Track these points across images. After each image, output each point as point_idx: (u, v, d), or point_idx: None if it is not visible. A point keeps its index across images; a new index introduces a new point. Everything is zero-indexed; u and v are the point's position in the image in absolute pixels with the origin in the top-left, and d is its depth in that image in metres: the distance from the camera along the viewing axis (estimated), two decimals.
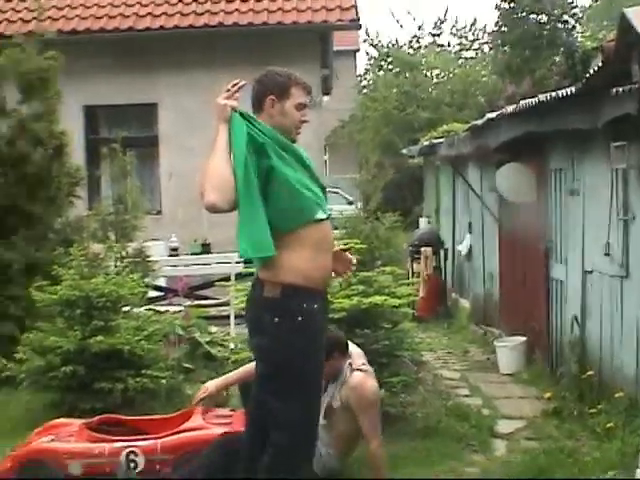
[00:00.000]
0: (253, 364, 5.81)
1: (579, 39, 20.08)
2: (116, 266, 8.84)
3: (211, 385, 5.96)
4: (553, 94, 7.47)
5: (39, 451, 5.80)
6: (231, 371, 6.14)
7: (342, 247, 4.84)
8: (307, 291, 4.18)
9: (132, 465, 5.72)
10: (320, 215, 4.25)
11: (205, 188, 4.08)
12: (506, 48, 20.31)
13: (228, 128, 4.18)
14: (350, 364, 5.71)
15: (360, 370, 5.70)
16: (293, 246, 4.17)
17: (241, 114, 4.24)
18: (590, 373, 7.72)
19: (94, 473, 5.77)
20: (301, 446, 4.23)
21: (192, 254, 12.62)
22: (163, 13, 15.34)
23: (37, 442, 5.90)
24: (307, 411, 4.23)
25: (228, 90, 4.30)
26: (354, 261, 4.73)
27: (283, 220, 4.16)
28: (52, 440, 5.91)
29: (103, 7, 15.53)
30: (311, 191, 4.24)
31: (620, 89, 5.94)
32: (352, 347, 5.89)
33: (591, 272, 8.06)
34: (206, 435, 5.73)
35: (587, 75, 6.63)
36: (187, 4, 15.53)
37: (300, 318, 4.15)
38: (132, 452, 5.74)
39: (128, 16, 15.31)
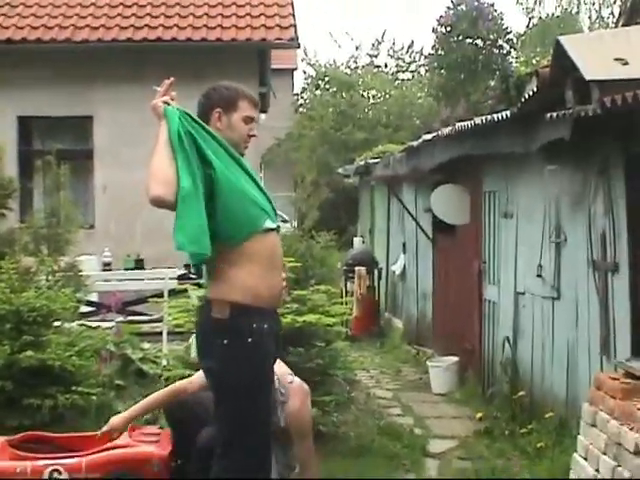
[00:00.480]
0: (158, 393, 5.75)
1: (514, 64, 20.35)
2: (48, 280, 8.70)
3: (116, 420, 5.86)
4: (489, 117, 7.58)
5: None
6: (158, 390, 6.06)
7: None
8: (257, 310, 4.05)
9: None
10: (269, 224, 4.14)
11: (149, 184, 3.96)
12: (442, 71, 20.49)
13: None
14: (278, 380, 5.52)
15: (293, 383, 5.52)
16: (240, 262, 4.05)
17: (178, 110, 4.15)
18: (521, 393, 7.80)
19: None
20: (254, 468, 4.09)
21: (125, 269, 12.51)
22: (101, 25, 15.18)
23: None
24: (259, 434, 4.09)
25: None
26: (284, 284, 4.47)
27: (230, 228, 4.03)
28: None
29: (40, 17, 15.31)
30: (257, 199, 4.14)
31: (554, 114, 6.03)
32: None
33: (523, 293, 8.15)
34: (132, 453, 5.65)
35: (522, 100, 6.72)
36: (126, 17, 15.41)
37: (250, 339, 4.01)
38: (56, 470, 5.61)
39: (66, 27, 15.11)
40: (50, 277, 8.88)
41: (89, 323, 8.84)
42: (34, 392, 6.96)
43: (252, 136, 4.29)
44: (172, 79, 4.27)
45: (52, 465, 5.59)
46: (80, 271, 9.74)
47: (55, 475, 5.55)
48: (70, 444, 6.05)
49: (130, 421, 5.74)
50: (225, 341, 4.02)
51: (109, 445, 5.73)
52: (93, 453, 5.70)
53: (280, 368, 5.55)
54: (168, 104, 4.16)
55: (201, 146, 4.06)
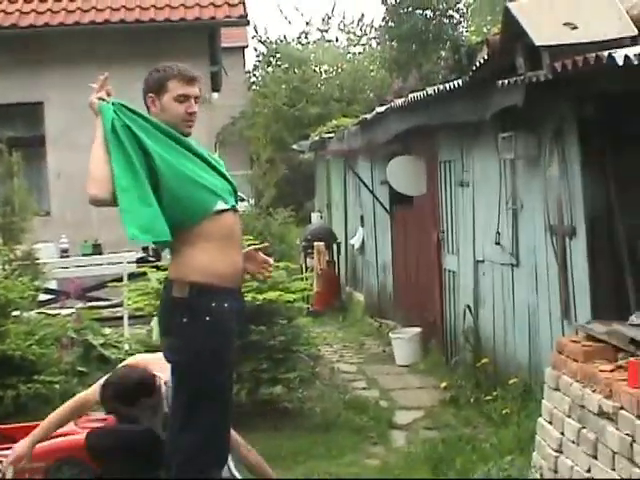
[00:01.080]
0: (60, 410, 5.41)
1: (464, 34, 20.38)
2: (4, 269, 8.61)
3: (21, 447, 5.72)
4: (441, 87, 7.57)
5: None
6: None
7: (256, 246, 4.57)
8: (216, 290, 4.02)
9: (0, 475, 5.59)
10: (220, 206, 4.07)
11: (87, 184, 3.99)
12: (393, 43, 20.49)
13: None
14: (165, 383, 4.95)
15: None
16: (197, 242, 4.02)
17: (114, 104, 4.12)
18: (485, 361, 7.85)
19: None
20: (209, 451, 4.08)
21: (83, 255, 12.42)
22: (48, 9, 14.97)
23: None
24: (215, 415, 4.07)
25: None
26: (270, 262, 4.52)
27: (180, 213, 4.00)
28: None
29: None
30: (207, 181, 4.09)
31: (506, 81, 6.03)
32: (149, 362, 5.26)
33: (483, 261, 8.19)
34: (77, 440, 5.62)
35: (473, 68, 6.72)
36: (72, 0, 15.22)
37: (208, 318, 3.99)
38: (0, 461, 5.61)
39: (11, 13, 14.90)
40: (6, 266, 8.79)
41: (48, 311, 8.76)
42: None
43: (191, 113, 4.18)
44: (106, 74, 4.21)
45: None
46: (37, 259, 9.65)
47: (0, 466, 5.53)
48: (14, 434, 6.02)
49: (34, 445, 5.59)
50: (185, 319, 4.01)
51: (55, 433, 5.70)
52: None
53: (151, 360, 5.17)
54: (104, 100, 4.11)
55: (139, 137, 4.03)
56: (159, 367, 5.03)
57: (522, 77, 5.76)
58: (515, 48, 5.83)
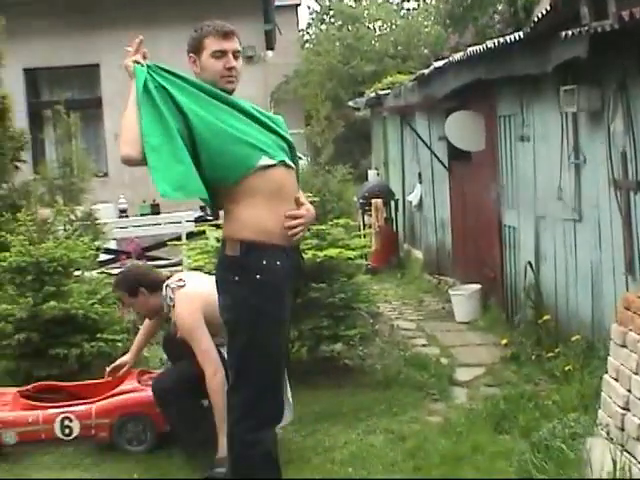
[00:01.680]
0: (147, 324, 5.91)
1: None
2: (65, 230, 8.69)
3: (128, 358, 6.00)
4: (501, 40, 7.44)
5: None
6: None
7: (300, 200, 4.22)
8: (267, 247, 4.00)
9: (67, 431, 5.70)
10: (265, 161, 4.03)
11: (119, 145, 4.04)
12: None
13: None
14: (167, 286, 5.53)
15: (178, 287, 5.49)
16: (243, 199, 4.01)
17: (149, 66, 4.12)
18: (546, 318, 7.77)
19: (29, 441, 5.75)
20: (262, 408, 4.08)
21: (141, 215, 12.52)
22: None
23: None
24: (267, 373, 4.09)
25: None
26: (293, 223, 4.08)
27: (220, 170, 3.99)
28: None
29: None
30: (250, 136, 4.04)
31: (569, 32, 5.90)
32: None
33: (544, 217, 8.08)
34: (140, 397, 5.71)
35: (535, 20, 6.59)
36: None
37: (259, 276, 3.99)
38: (66, 418, 5.71)
39: None
40: (67, 227, 8.87)
41: (109, 271, 8.84)
42: (60, 342, 7.01)
43: (230, 68, 4.15)
44: (141, 37, 4.21)
45: (63, 413, 5.73)
46: (97, 219, 9.73)
47: (66, 422, 5.67)
48: (80, 392, 6.14)
49: (138, 352, 5.81)
50: (236, 277, 4.03)
51: (118, 391, 5.82)
52: (102, 399, 5.79)
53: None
54: (138, 62, 4.12)
55: (174, 96, 4.02)
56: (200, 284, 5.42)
57: (586, 28, 5.64)
58: None
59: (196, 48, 4.18)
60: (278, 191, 4.06)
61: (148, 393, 5.62)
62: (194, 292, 5.40)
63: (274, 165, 4.06)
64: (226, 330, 4.17)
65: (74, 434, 5.70)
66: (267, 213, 4.02)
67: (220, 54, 4.14)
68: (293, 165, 4.21)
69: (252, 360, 4.06)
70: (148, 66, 4.11)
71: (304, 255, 6.72)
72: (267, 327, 4.06)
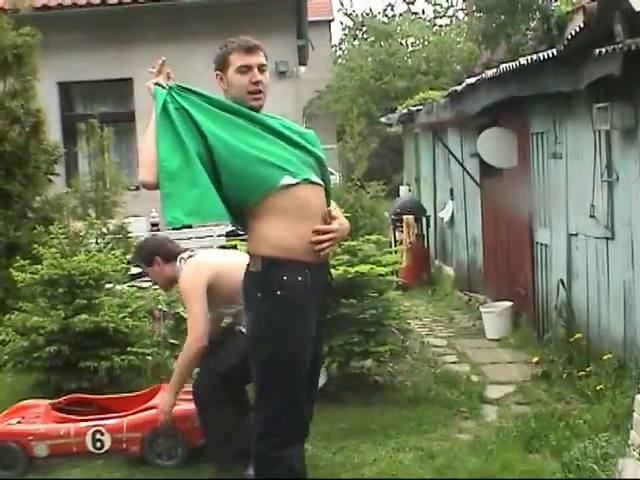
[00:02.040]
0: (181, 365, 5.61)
1: (554, 3, 19.97)
2: (97, 243, 8.75)
3: (164, 402, 5.66)
4: (534, 57, 7.42)
5: (4, 434, 5.80)
6: None
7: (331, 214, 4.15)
8: (288, 263, 3.97)
9: (98, 444, 5.71)
10: (287, 181, 3.98)
11: (139, 168, 4.09)
12: (481, 14, 20.17)
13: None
14: (182, 258, 5.61)
15: (189, 257, 5.58)
16: (265, 216, 3.99)
17: (171, 87, 4.10)
18: (578, 336, 7.71)
19: (60, 454, 5.77)
20: (286, 425, 4.05)
21: (173, 229, 12.54)
22: None
23: (3, 425, 5.89)
24: (290, 389, 4.05)
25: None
26: (320, 238, 4.03)
27: (241, 191, 3.97)
28: (18, 422, 5.93)
29: None
30: (273, 155, 4.00)
31: (603, 50, 5.88)
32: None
33: (576, 235, 8.03)
34: (173, 411, 5.71)
35: (568, 37, 6.57)
36: None
37: (279, 292, 3.96)
38: (98, 431, 5.72)
39: None
40: (99, 240, 8.93)
41: (140, 284, 8.87)
42: (90, 355, 7.03)
43: (256, 82, 4.13)
44: (163, 59, 4.22)
45: (94, 426, 5.73)
46: (129, 233, 9.78)
47: (97, 436, 5.68)
48: (111, 405, 6.16)
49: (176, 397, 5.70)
50: (259, 294, 4.02)
51: (149, 405, 5.82)
52: (134, 413, 5.81)
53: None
54: (160, 84, 4.11)
55: (194, 117, 4.02)
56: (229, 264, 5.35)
57: (620, 45, 5.61)
58: (613, 15, 5.67)
59: (222, 65, 4.18)
60: (302, 208, 4.02)
61: (179, 407, 5.63)
62: (203, 261, 5.49)
63: (298, 183, 4.03)
64: (250, 346, 4.16)
65: (105, 447, 5.72)
66: (289, 229, 3.99)
67: (245, 69, 4.13)
68: (321, 182, 4.17)
69: (274, 376, 4.04)
70: (170, 87, 4.10)
71: (335, 271, 6.76)
72: (289, 343, 4.03)
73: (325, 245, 4.04)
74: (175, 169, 3.94)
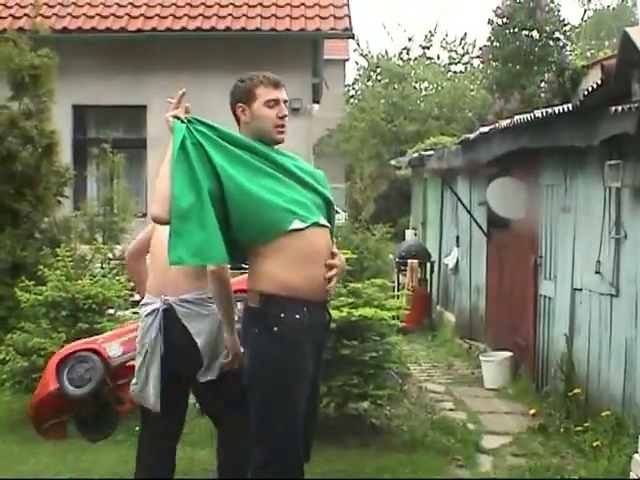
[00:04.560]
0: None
1: (570, 57, 20.10)
2: (102, 268, 8.75)
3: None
4: (550, 110, 7.45)
5: (74, 347, 5.78)
6: None
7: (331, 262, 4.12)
8: (287, 301, 3.96)
9: None
10: (296, 225, 3.98)
11: (151, 201, 4.12)
12: (497, 63, 20.29)
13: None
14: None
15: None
16: (270, 255, 3.97)
17: (189, 120, 4.10)
18: (577, 391, 7.70)
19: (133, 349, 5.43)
20: (281, 463, 4.01)
21: None
22: (156, 15, 15.27)
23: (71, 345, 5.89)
24: (286, 427, 4.01)
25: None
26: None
27: (249, 232, 3.97)
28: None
29: (95, 6, 15.44)
30: (284, 198, 4.00)
31: (619, 108, 5.91)
32: None
33: (580, 289, 8.04)
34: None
35: (585, 93, 6.61)
36: (180, 7, 15.47)
37: (276, 329, 3.96)
38: None
39: (120, 17, 15.22)
40: (105, 265, 8.92)
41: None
42: None
43: (283, 117, 4.17)
44: (183, 90, 4.17)
45: None
46: None
47: None
48: None
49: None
50: (256, 330, 4.02)
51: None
52: None
53: None
54: (178, 117, 4.08)
55: (209, 154, 3.99)
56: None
57: (636, 104, 5.65)
58: (631, 73, 5.72)
59: (246, 97, 4.18)
60: (308, 250, 4.01)
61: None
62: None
63: (306, 227, 4.03)
64: (247, 380, 4.11)
65: None
66: (291, 268, 3.98)
67: (273, 103, 4.16)
68: (328, 224, 4.16)
69: (270, 413, 4.01)
70: (189, 120, 4.07)
71: (338, 312, 6.77)
72: (284, 381, 4.01)
73: (334, 281, 4.07)
74: (187, 208, 3.90)
